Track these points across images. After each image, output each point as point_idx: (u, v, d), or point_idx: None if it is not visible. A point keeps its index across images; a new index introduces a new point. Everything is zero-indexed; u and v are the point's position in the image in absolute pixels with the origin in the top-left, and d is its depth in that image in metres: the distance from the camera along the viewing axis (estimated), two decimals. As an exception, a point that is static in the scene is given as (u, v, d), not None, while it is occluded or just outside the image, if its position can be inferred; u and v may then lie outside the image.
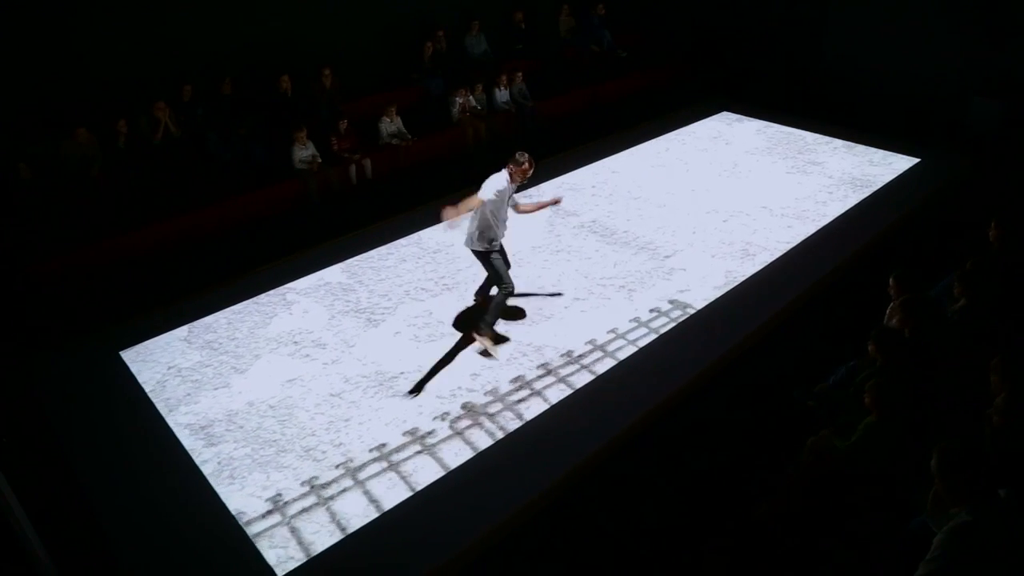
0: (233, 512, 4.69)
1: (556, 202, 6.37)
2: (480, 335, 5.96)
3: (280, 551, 4.42)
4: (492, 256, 5.87)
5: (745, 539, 4.05)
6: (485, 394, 5.64)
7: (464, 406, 5.48)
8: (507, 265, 6.01)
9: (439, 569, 4.27)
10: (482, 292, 6.48)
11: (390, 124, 9.75)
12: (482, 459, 5.01)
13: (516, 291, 6.10)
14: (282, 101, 9.31)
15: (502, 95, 10.74)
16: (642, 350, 6.03)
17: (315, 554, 4.38)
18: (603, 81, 11.98)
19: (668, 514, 4.51)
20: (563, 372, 5.86)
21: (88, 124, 8.07)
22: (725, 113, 11.47)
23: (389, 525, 4.55)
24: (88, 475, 5.04)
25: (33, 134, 8.00)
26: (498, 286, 6.01)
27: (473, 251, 5.95)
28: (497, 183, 5.63)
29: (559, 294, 6.69)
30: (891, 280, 4.96)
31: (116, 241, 7.82)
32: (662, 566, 4.13)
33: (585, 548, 4.38)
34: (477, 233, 5.80)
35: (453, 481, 4.85)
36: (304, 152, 8.89)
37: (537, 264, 7.38)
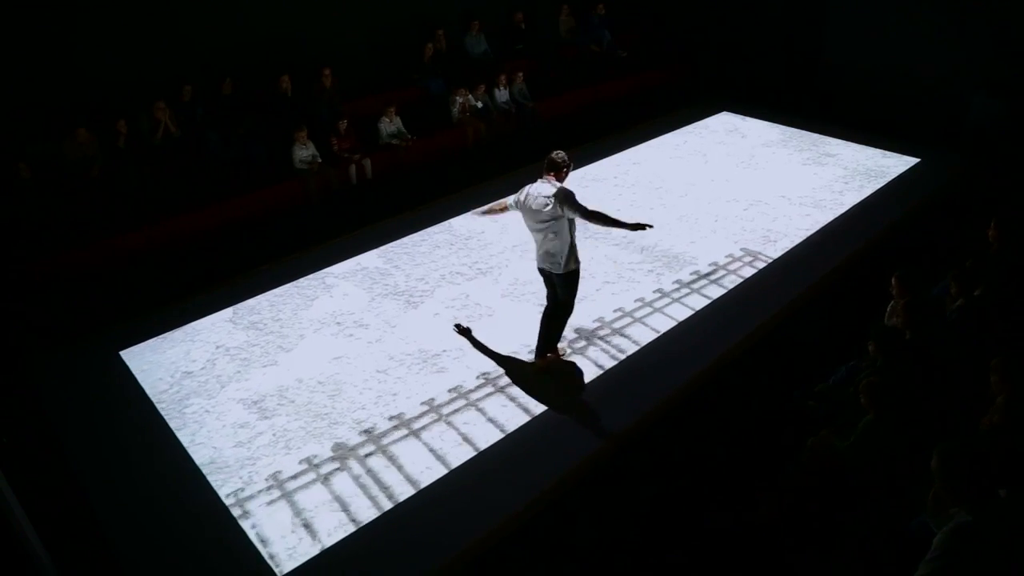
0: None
1: None
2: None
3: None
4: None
5: (745, 539, 4.06)
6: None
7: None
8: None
9: (441, 568, 4.35)
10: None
11: (390, 124, 9.86)
12: (478, 461, 5.17)
13: None
14: (282, 101, 9.32)
15: (502, 95, 10.89)
16: (643, 348, 6.29)
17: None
18: (603, 81, 12.13)
19: (667, 514, 4.50)
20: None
21: (88, 124, 8.14)
22: (725, 113, 11.55)
23: (389, 524, 4.69)
24: (88, 475, 5.20)
25: (33, 134, 8.01)
26: (567, 307, 5.79)
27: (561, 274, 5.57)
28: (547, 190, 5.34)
29: None
30: (893, 280, 4.96)
31: (116, 241, 7.98)
32: (661, 565, 4.13)
33: (583, 547, 4.36)
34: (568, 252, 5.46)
35: (456, 477, 5.03)
36: (304, 152, 9.01)
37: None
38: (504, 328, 6.51)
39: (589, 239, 7.73)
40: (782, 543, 4.04)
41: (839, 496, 4.07)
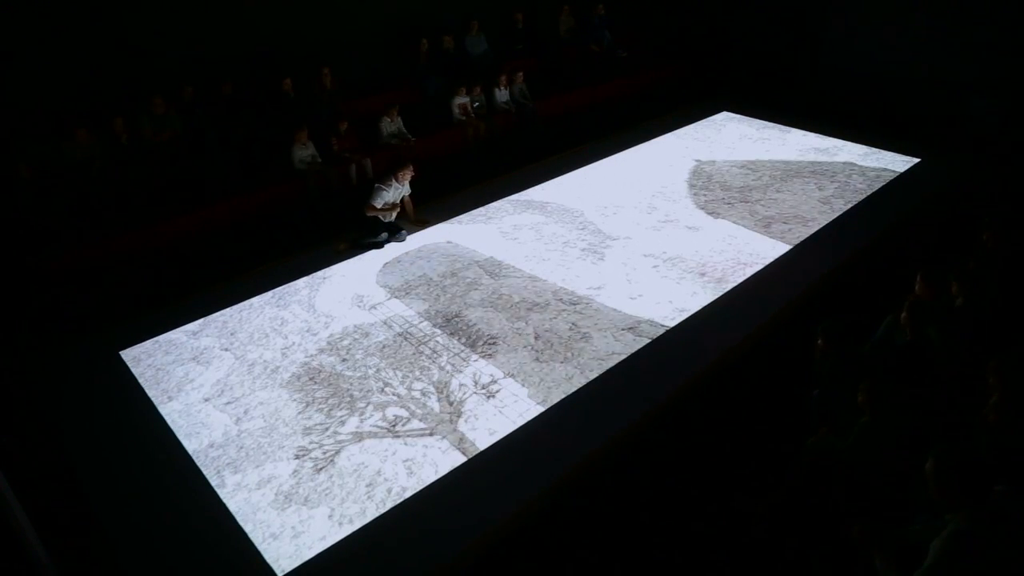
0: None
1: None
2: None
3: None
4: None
5: (743, 539, 4.06)
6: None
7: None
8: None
9: (441, 568, 4.37)
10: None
11: (391, 124, 9.88)
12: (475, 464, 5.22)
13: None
14: (282, 101, 9.32)
15: (502, 95, 10.89)
16: (647, 345, 6.31)
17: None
18: (603, 81, 12.08)
19: (666, 514, 4.51)
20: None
21: (88, 124, 8.12)
22: (725, 113, 11.58)
23: (390, 523, 4.71)
24: (88, 475, 5.22)
25: (33, 134, 8.02)
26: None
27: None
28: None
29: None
30: (918, 277, 4.92)
31: (116, 241, 7.99)
32: (659, 564, 4.14)
33: (582, 548, 4.37)
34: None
35: (456, 477, 5.05)
36: (304, 152, 8.98)
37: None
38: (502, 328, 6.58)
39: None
40: (782, 543, 4.04)
41: (838, 497, 4.07)
